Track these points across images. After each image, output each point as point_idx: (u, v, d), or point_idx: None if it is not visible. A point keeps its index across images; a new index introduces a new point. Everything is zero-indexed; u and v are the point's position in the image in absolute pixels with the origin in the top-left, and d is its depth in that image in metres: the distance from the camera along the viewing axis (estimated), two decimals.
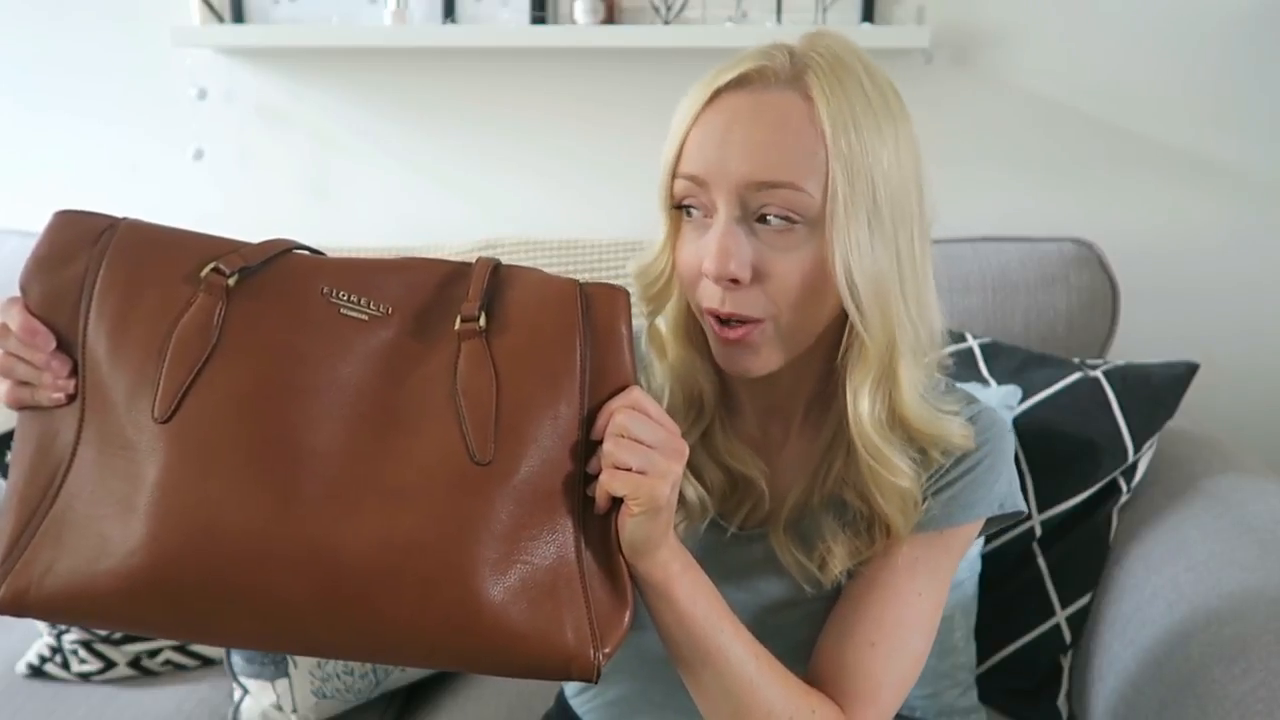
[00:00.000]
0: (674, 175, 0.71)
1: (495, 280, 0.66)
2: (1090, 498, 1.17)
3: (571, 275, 0.68)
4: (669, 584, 0.66)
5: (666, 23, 1.55)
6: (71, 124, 1.68)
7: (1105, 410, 1.18)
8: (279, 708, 1.12)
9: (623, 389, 0.65)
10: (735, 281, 0.68)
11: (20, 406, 0.62)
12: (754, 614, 0.76)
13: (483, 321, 0.64)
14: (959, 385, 1.21)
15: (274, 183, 1.69)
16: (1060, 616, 1.15)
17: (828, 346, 0.75)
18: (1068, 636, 1.14)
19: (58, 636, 1.22)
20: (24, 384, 0.62)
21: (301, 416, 0.60)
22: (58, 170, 1.70)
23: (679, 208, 0.72)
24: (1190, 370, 1.21)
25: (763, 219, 0.68)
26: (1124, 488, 1.18)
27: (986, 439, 0.76)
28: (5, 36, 1.66)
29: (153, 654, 1.23)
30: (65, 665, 1.22)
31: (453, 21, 1.57)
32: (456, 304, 0.65)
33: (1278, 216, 1.57)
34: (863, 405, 0.71)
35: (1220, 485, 1.15)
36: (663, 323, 0.79)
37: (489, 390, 0.62)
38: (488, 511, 0.60)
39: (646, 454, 0.62)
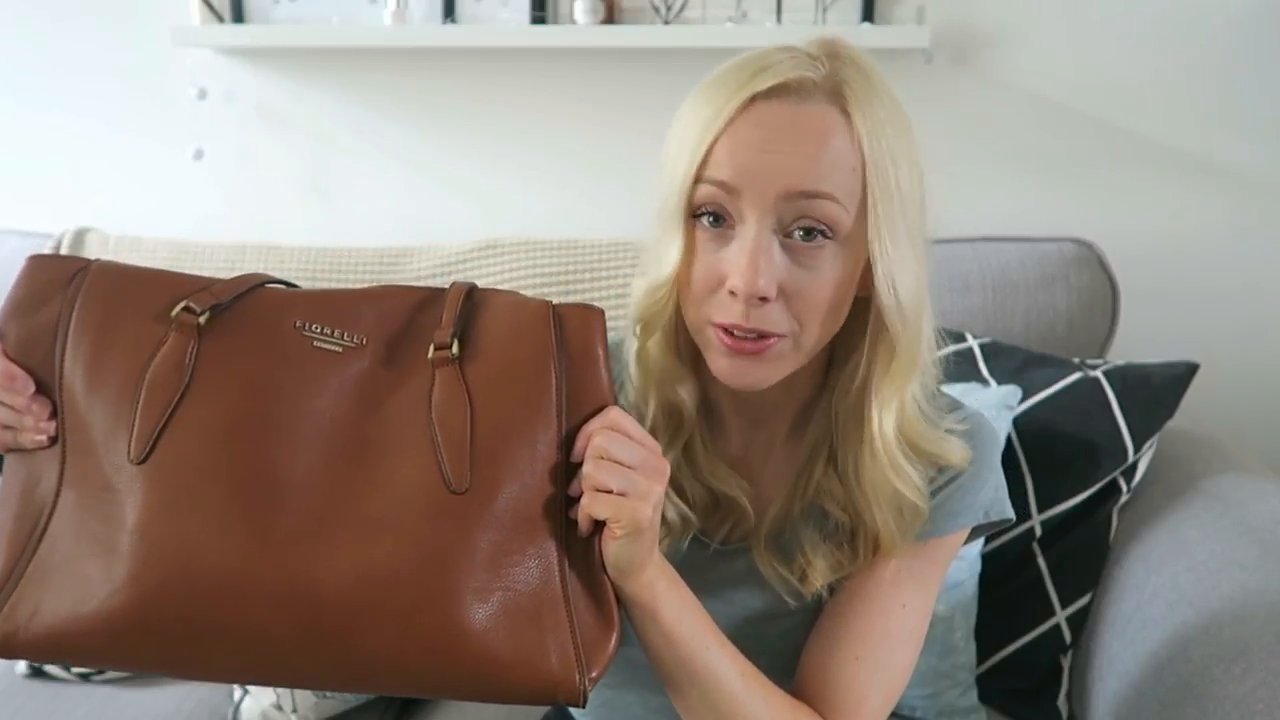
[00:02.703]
0: (697, 180, 0.67)
1: (469, 305, 0.66)
2: (1090, 498, 1.17)
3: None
4: (655, 603, 0.65)
5: (666, 23, 1.55)
6: (71, 124, 1.68)
7: (1105, 410, 1.18)
8: (279, 708, 1.12)
9: (600, 410, 0.64)
10: (762, 299, 0.66)
11: (4, 449, 0.63)
12: (737, 627, 0.75)
13: (456, 349, 0.64)
14: (958, 385, 1.22)
15: (274, 183, 1.68)
16: (1060, 616, 1.15)
17: (817, 359, 0.74)
18: (1068, 636, 1.14)
19: None
20: (7, 427, 0.62)
21: (278, 451, 0.61)
22: (58, 170, 1.70)
23: (696, 216, 0.69)
24: (1190, 370, 1.21)
25: (792, 234, 0.66)
26: (1124, 488, 1.18)
27: (972, 446, 0.75)
28: (5, 36, 1.66)
29: None
30: (65, 665, 1.22)
31: (453, 21, 1.57)
32: (430, 331, 0.65)
33: (1278, 217, 1.57)
34: (888, 421, 0.70)
35: (1220, 485, 1.15)
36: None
37: (463, 418, 0.62)
38: (467, 540, 0.60)
39: (627, 475, 0.61)
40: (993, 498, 0.76)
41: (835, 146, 0.66)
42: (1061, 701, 1.15)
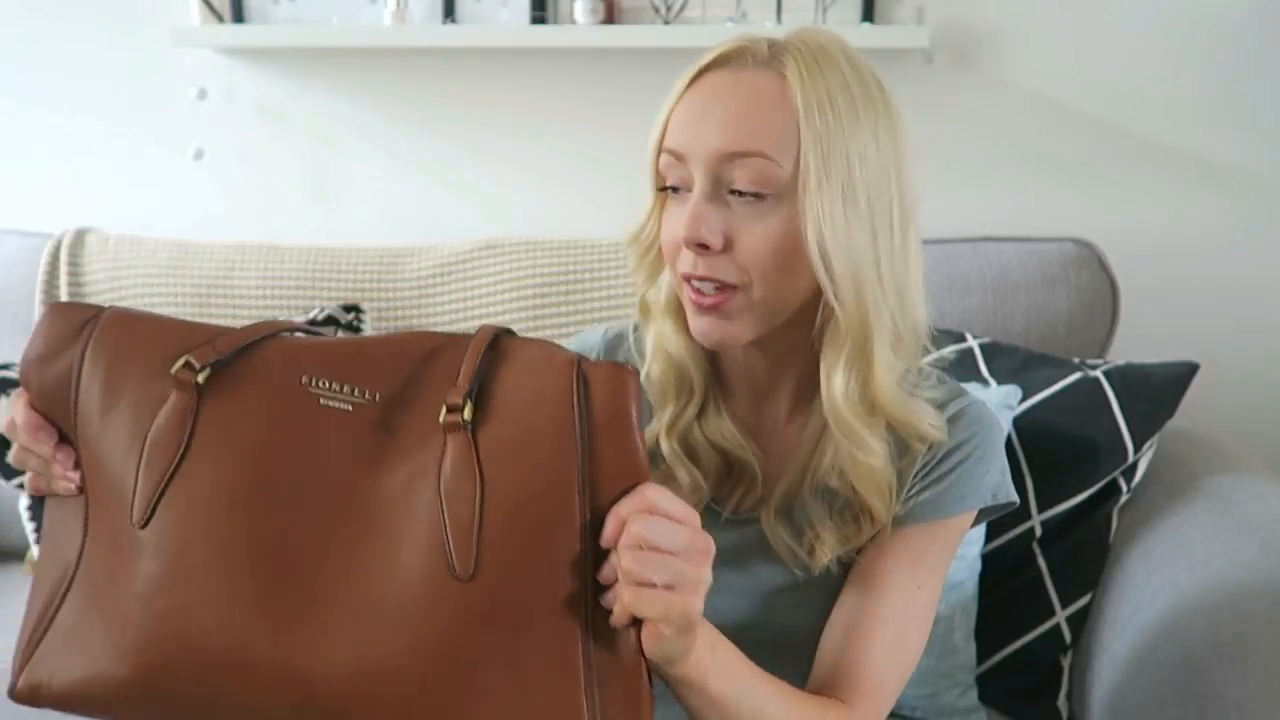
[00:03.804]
0: (659, 152, 0.74)
1: (491, 355, 0.60)
2: (1090, 498, 1.17)
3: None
4: (704, 679, 0.62)
5: (666, 23, 1.55)
6: (71, 124, 1.68)
7: (1105, 410, 1.18)
8: None
9: (633, 487, 0.57)
10: (706, 247, 0.70)
11: (40, 494, 0.64)
12: (751, 597, 0.78)
13: (468, 413, 0.58)
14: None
15: (274, 183, 1.68)
16: (1060, 616, 1.15)
17: (808, 330, 0.75)
18: (1068, 636, 1.14)
19: None
20: (40, 474, 0.63)
21: (279, 523, 0.58)
22: (58, 170, 1.70)
23: (664, 189, 0.74)
24: (1190, 370, 1.21)
25: (735, 191, 0.70)
26: (1124, 488, 1.18)
27: (975, 431, 0.77)
28: (5, 36, 1.66)
29: None
30: None
31: (453, 21, 1.57)
32: (447, 386, 0.59)
33: (1278, 217, 1.57)
34: (836, 382, 0.72)
35: (1220, 485, 1.15)
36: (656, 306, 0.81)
37: (472, 494, 0.56)
38: (469, 633, 0.55)
39: (671, 565, 0.55)
40: (999, 481, 0.79)
41: (767, 106, 0.69)
42: (1061, 701, 1.15)
